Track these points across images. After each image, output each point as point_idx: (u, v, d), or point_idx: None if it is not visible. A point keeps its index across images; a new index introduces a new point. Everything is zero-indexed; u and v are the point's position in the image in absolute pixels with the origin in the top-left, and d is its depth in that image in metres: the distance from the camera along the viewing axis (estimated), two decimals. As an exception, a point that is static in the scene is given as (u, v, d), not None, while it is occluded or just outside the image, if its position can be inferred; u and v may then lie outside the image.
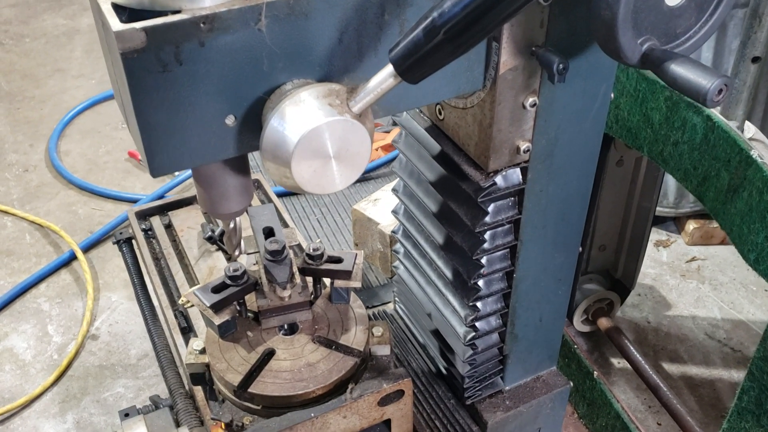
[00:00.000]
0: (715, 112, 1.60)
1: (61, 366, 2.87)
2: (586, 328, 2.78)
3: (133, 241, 2.79)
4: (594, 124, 1.62)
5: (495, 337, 2.02)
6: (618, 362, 2.76)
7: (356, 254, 2.00)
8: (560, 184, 1.68)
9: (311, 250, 1.95)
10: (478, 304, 1.88)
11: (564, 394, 2.18)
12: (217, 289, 1.90)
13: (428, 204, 1.89)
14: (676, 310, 3.03)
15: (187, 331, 2.34)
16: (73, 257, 3.52)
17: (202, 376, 1.94)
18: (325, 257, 1.97)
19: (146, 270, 2.64)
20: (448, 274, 1.91)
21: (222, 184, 1.45)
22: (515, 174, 1.62)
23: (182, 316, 2.39)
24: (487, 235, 1.72)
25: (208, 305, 1.85)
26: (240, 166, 1.42)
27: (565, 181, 1.69)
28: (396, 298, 2.43)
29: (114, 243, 2.80)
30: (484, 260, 1.78)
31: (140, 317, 3.13)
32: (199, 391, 2.10)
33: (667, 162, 1.77)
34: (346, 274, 1.97)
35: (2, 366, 2.92)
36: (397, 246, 2.25)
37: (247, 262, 1.99)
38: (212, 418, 1.86)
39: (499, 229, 1.74)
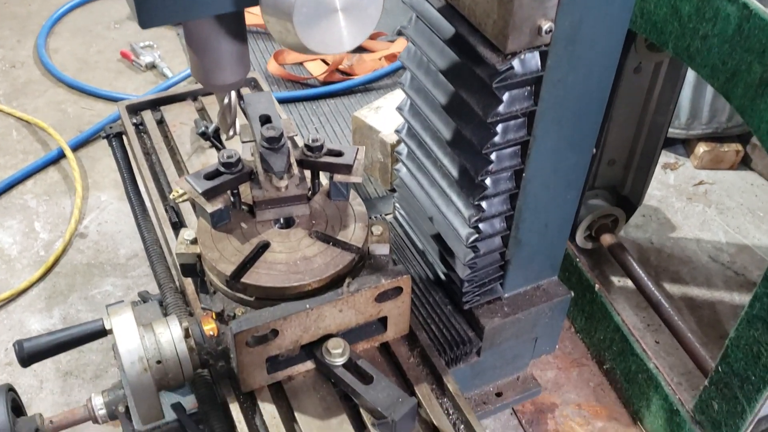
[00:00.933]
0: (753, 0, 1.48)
1: (47, 262, 2.80)
2: (588, 245, 2.71)
3: (124, 137, 2.68)
4: (621, 10, 1.50)
5: (498, 240, 1.94)
6: (618, 281, 2.70)
7: (357, 149, 1.90)
8: (580, 74, 1.57)
9: (310, 141, 1.85)
10: (484, 204, 1.79)
11: (564, 303, 2.13)
12: (210, 176, 1.80)
13: (437, 96, 1.78)
14: (680, 232, 2.97)
15: (178, 226, 2.25)
16: (61, 155, 3.40)
17: (193, 268, 1.86)
18: (324, 149, 1.87)
19: (137, 165, 2.54)
20: (454, 172, 1.82)
21: (216, 50, 1.33)
22: (534, 59, 1.50)
23: (173, 210, 2.30)
24: (498, 128, 1.62)
25: (200, 192, 1.76)
26: (235, 28, 1.31)
27: (586, 72, 1.57)
28: (396, 204, 2.34)
29: (104, 137, 2.69)
30: (493, 156, 1.68)
31: (130, 218, 3.05)
32: (189, 285, 2.03)
33: (693, 58, 1.66)
34: (347, 168, 1.87)
35: (-12, 261, 2.85)
36: (401, 147, 2.15)
37: (242, 153, 1.89)
38: (203, 308, 1.79)
39: (512, 122, 1.64)
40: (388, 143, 2.93)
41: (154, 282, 2.19)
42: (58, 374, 2.39)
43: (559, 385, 2.33)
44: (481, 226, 1.84)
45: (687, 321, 2.31)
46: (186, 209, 2.26)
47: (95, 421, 1.94)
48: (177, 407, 1.88)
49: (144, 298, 2.31)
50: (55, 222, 3.04)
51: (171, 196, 2.26)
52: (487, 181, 1.74)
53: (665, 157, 3.35)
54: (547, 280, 2.14)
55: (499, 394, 2.28)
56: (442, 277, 2.13)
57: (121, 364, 1.97)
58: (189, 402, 1.90)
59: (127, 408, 1.92)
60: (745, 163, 3.30)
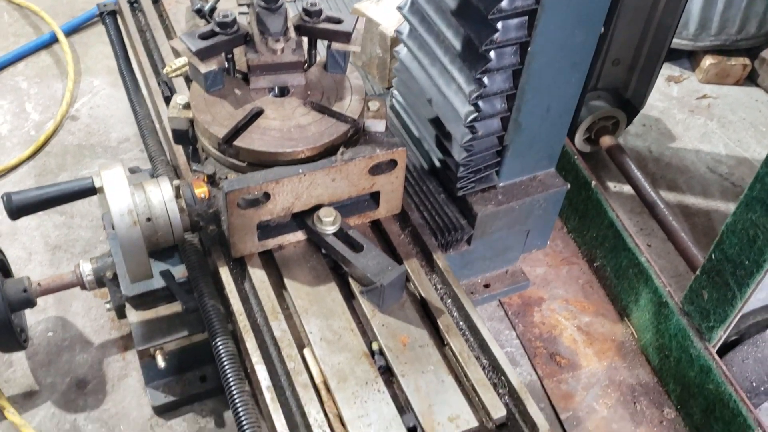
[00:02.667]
0: None
1: (38, 141, 2.75)
2: (587, 149, 2.68)
3: (118, 16, 2.60)
4: None
5: (497, 123, 1.90)
6: (614, 186, 2.68)
7: (357, 18, 1.83)
8: (594, -61, 1.50)
9: (308, 5, 1.78)
10: (485, 79, 1.75)
11: (559, 195, 2.10)
12: (205, 36, 1.74)
13: (443, -37, 1.71)
14: (680, 143, 2.93)
15: (170, 100, 2.21)
16: (54, 40, 3.31)
17: (185, 134, 1.82)
18: (323, 15, 1.81)
19: (130, 42, 2.47)
20: (457, 44, 1.76)
21: None
22: None
23: (166, 85, 2.25)
24: (506, -6, 1.56)
25: (194, 51, 1.70)
26: None
27: (600, -62, 1.51)
28: (394, 92, 2.29)
29: (97, 15, 2.62)
30: (499, 25, 1.62)
31: (122, 103, 2.99)
32: (181, 156, 2.00)
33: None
34: (345, 37, 1.82)
35: (-23, 137, 2.80)
36: (402, 26, 2.08)
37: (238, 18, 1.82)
38: (193, 170, 1.76)
39: (520, -12, 1.58)
40: (388, 36, 2.85)
41: (146, 165, 2.16)
42: (46, 247, 2.37)
43: (548, 281, 2.34)
44: (481, 104, 1.80)
45: (681, 225, 2.30)
46: (179, 84, 2.20)
47: (83, 287, 1.93)
48: (166, 274, 1.87)
49: (134, 170, 2.28)
50: (47, 104, 2.98)
51: (164, 71, 2.20)
52: (491, 54, 1.68)
53: (670, 70, 3.29)
54: (543, 171, 2.10)
55: (487, 286, 2.28)
56: (438, 164, 2.10)
57: (110, 219, 1.96)
58: (178, 272, 1.90)
59: (115, 275, 1.91)
60: (751, 78, 3.24)
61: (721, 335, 1.79)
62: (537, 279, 2.34)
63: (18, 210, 1.64)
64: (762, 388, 1.75)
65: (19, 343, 1.91)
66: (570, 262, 2.40)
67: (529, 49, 1.69)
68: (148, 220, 1.61)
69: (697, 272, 1.80)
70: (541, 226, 2.21)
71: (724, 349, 1.90)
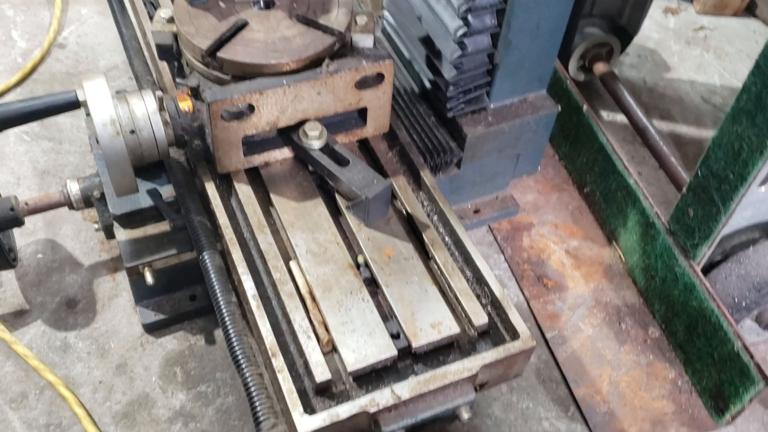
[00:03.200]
0: None
1: (25, 69, 2.71)
2: (580, 77, 2.65)
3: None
4: None
5: (487, 39, 1.87)
6: (607, 115, 2.66)
7: (346, -69, 1.80)
8: None
9: None
10: (475, -9, 1.72)
11: (550, 118, 2.09)
12: (187, -54, 1.71)
13: None
14: (675, 73, 2.90)
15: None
16: (40, -32, 3.25)
17: (169, 49, 1.79)
18: (310, -73, 1.77)
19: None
20: (445, -44, 1.73)
21: None
22: None
23: (151, 5, 2.22)
24: None
25: (177, -40, 1.68)
26: None
27: None
28: (384, 13, 2.25)
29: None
30: (488, -68, 1.59)
31: (110, 31, 2.94)
32: (166, 74, 1.98)
33: None
34: (332, -52, 1.78)
35: (-37, 65, 2.76)
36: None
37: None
38: (177, 84, 1.75)
39: None
40: (382, -38, 2.80)
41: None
42: (35, 172, 2.37)
43: (538, 207, 2.34)
44: (470, 18, 1.77)
45: (672, 152, 2.28)
46: (164, 4, 2.16)
47: (71, 206, 1.93)
48: (153, 193, 1.87)
49: (120, 90, 2.26)
50: (33, 32, 2.93)
51: (150, -9, 2.17)
52: (480, -36, 1.65)
53: (667, 1, 3.23)
54: (534, 93, 2.09)
55: (476, 211, 2.29)
56: (428, 85, 2.08)
57: (93, 131, 1.95)
58: (165, 191, 1.89)
59: (102, 194, 1.91)
60: (749, 10, 3.19)
61: (706, 252, 1.79)
62: (527, 205, 2.34)
63: (1, 123, 1.63)
64: (743, 304, 1.76)
65: (8, 261, 1.92)
66: (560, 189, 2.40)
67: (520, -40, 1.66)
68: (132, 132, 1.60)
69: (683, 190, 1.80)
70: (532, 150, 2.20)
71: (709, 269, 1.90)
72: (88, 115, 1.92)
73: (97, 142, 1.62)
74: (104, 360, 1.92)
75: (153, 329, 2.00)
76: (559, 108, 2.07)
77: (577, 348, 2.00)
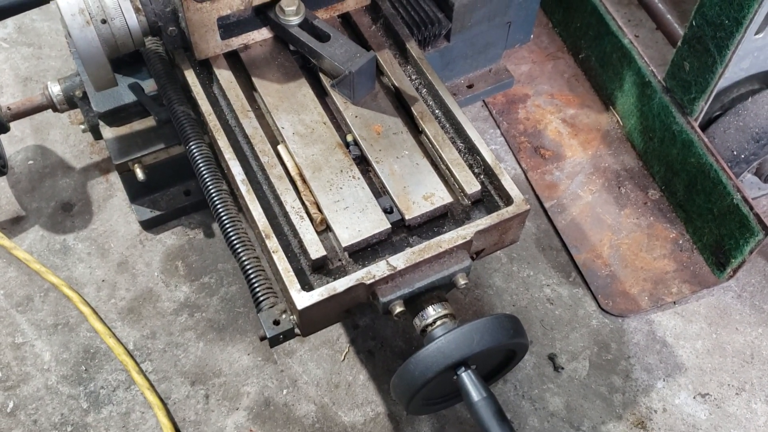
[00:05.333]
0: None
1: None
2: (571, -62, 2.52)
3: None
4: None
5: None
6: (601, -22, 2.55)
7: None
8: None
9: None
10: None
11: (540, -20, 2.00)
12: None
13: None
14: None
15: None
16: None
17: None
18: None
19: None
20: None
21: None
22: None
23: None
24: None
25: None
26: None
27: None
28: None
29: None
30: None
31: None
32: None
33: None
34: None
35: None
36: None
37: None
38: (144, -33, 1.67)
39: None
40: None
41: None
42: (17, 79, 2.31)
43: (533, 77, 2.27)
44: None
45: (669, 10, 2.20)
46: None
47: (54, 108, 1.89)
48: (135, 87, 1.82)
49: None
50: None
51: None
52: None
53: None
54: (522, -45, 1.99)
55: (470, 86, 2.23)
56: (410, -46, 1.98)
57: (63, 25, 1.88)
58: (147, 86, 1.84)
59: (84, 93, 1.86)
60: None
61: (703, 106, 1.75)
62: (522, 76, 2.28)
63: (-34, 21, 1.57)
64: (743, 156, 1.73)
65: (-3, 168, 1.90)
66: (555, 57, 2.33)
67: None
68: (104, 21, 1.54)
69: (678, 44, 1.74)
70: (523, 16, 2.12)
71: (707, 125, 1.86)
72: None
73: (69, 36, 1.57)
74: (105, 259, 1.93)
75: (150, 226, 1.99)
76: (549, -31, 1.98)
77: (577, 215, 1.99)
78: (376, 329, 1.82)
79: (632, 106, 2.03)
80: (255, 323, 1.83)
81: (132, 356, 1.77)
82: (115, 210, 2.03)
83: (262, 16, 1.67)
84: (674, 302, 1.86)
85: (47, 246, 1.96)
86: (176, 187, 2.01)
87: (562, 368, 1.77)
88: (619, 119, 2.13)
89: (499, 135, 2.17)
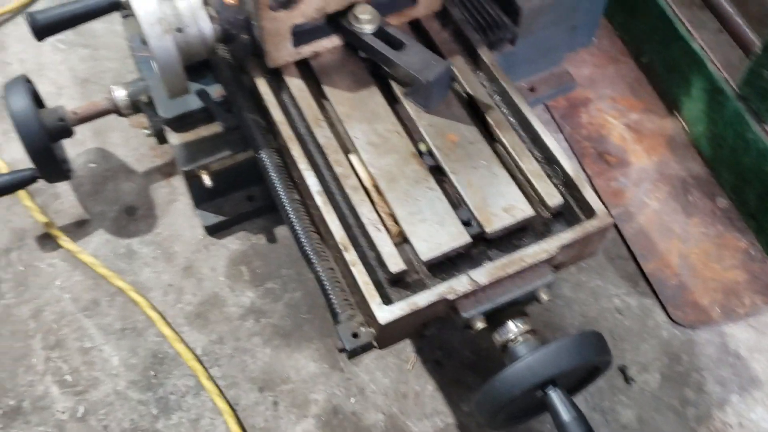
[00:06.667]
0: None
1: (51, -26, 2.64)
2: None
3: None
4: None
5: None
6: (662, -22, 2.51)
7: None
8: None
9: None
10: None
11: (608, -15, 1.97)
12: None
13: None
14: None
15: None
16: None
17: (204, -61, 1.70)
18: None
19: None
20: None
21: None
22: None
23: None
24: None
25: None
26: None
27: None
28: None
29: None
30: None
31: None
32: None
33: None
34: None
35: (-13, -26, 2.68)
36: None
37: None
38: (218, -26, 1.66)
39: None
40: None
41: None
42: (75, 81, 2.32)
43: (594, 81, 2.24)
44: None
45: (736, 12, 2.15)
46: None
47: (119, 113, 1.89)
48: (202, 93, 1.82)
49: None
50: (53, -66, 2.83)
51: None
52: None
53: None
54: (591, -41, 1.96)
55: (532, 89, 2.20)
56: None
57: (138, 40, 1.89)
58: (213, 92, 1.84)
59: (150, 98, 1.86)
60: None
61: (783, 116, 1.71)
62: (583, 80, 2.24)
63: (43, 29, 1.57)
64: (825, 167, 1.69)
65: (62, 172, 1.90)
66: (617, 61, 2.29)
67: None
68: (179, 30, 1.54)
69: (758, 50, 1.70)
70: (588, 20, 2.09)
71: (784, 134, 1.83)
72: (125, 17, 1.85)
73: (144, 43, 1.57)
74: (170, 263, 1.94)
75: (214, 231, 2.00)
76: (618, -29, 1.95)
77: (644, 223, 1.96)
78: (443, 339, 1.81)
79: (701, 112, 1.99)
80: (320, 330, 1.83)
81: (201, 362, 1.77)
82: (179, 214, 2.03)
83: (334, 23, 1.65)
84: (746, 314, 1.83)
85: (112, 250, 1.97)
86: (240, 192, 2.01)
87: (633, 380, 1.75)
88: (685, 125, 2.09)
89: (563, 139, 2.14)
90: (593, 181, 2.04)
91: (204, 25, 1.55)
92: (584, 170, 2.07)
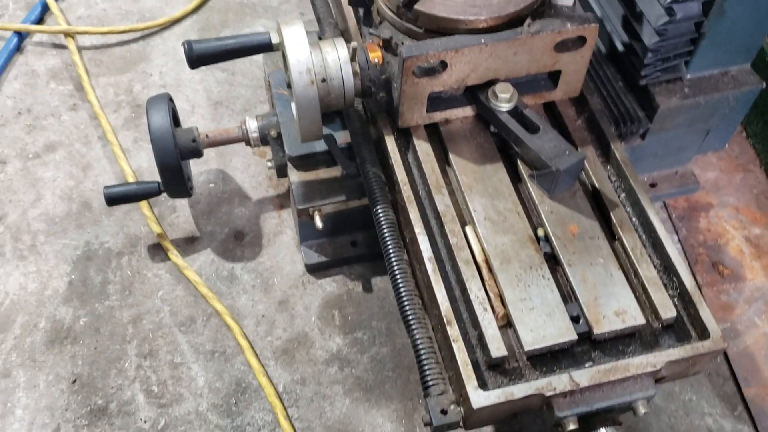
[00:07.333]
0: None
1: (203, -4, 2.78)
2: (779, 47, 2.41)
3: None
4: None
5: (697, 7, 1.71)
6: (805, 91, 2.43)
7: None
8: None
9: None
10: (696, -45, 1.57)
11: (751, 95, 1.91)
12: None
13: None
14: None
15: (342, -40, 2.14)
16: None
17: (361, -6, 1.77)
18: None
19: None
20: None
21: None
22: None
23: (338, -57, 2.17)
24: None
25: None
26: None
27: None
28: (576, -35, 2.11)
29: None
30: None
31: (284, -39, 2.95)
32: (350, 20, 1.94)
33: None
34: None
35: (146, -13, 2.85)
36: None
37: None
38: (370, 33, 1.71)
39: None
40: None
41: (309, 27, 2.10)
42: (209, 102, 2.43)
43: (719, 186, 2.18)
44: (685, -18, 1.63)
45: None
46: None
47: (247, 143, 1.97)
48: (329, 138, 1.87)
49: (301, 31, 2.25)
50: (211, -42, 2.98)
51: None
52: (709, -75, 1.50)
53: None
54: (737, 66, 1.91)
55: (653, 185, 2.16)
56: (620, 48, 1.94)
57: (276, 78, 1.96)
58: (339, 137, 1.89)
59: (279, 134, 1.93)
60: None
61: None
62: (707, 183, 2.19)
63: (197, 59, 1.65)
64: None
65: (186, 190, 1.98)
66: (746, 169, 2.22)
67: None
68: (323, 80, 1.59)
69: None
70: (724, 126, 2.04)
71: None
72: (276, 47, 1.88)
73: (288, 86, 1.63)
74: (267, 295, 1.98)
75: (314, 270, 2.03)
76: (764, 85, 1.89)
77: (751, 344, 1.88)
78: (523, 421, 1.77)
79: (831, 240, 1.90)
80: (402, 391, 1.83)
81: (281, 399, 1.79)
82: (283, 247, 2.08)
83: (470, 94, 1.68)
84: None
85: (216, 271, 2.03)
86: (344, 236, 2.05)
87: None
88: (811, 249, 2.01)
89: (677, 241, 2.09)
90: (702, 290, 1.97)
91: (348, 80, 1.60)
92: (695, 277, 2.00)
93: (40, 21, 2.69)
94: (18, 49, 2.60)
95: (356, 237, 2.06)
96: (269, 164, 1.98)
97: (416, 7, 1.58)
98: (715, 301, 1.95)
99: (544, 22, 1.56)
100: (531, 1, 1.59)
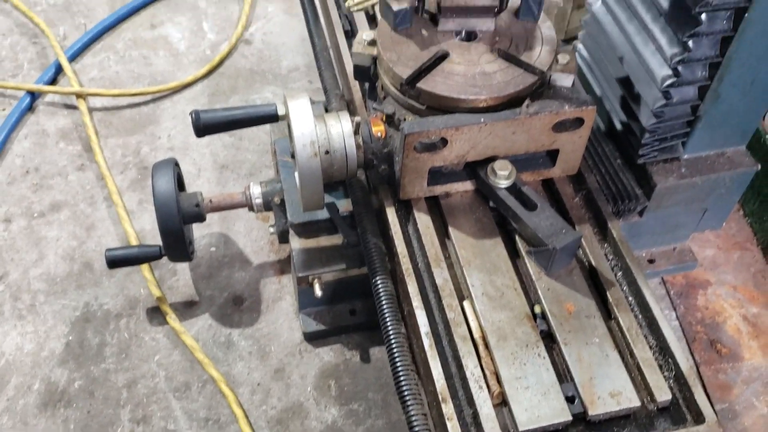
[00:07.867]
0: None
1: (213, 61, 2.84)
2: (776, 128, 2.46)
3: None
4: None
5: (693, 91, 1.76)
6: (802, 171, 2.46)
7: (558, -38, 1.74)
8: None
9: (508, -52, 1.70)
10: (691, 42, 1.61)
11: (747, 176, 1.94)
12: (399, -28, 1.71)
13: None
14: None
15: (350, 35, 2.20)
16: (233, -37, 3.38)
17: (366, 71, 1.81)
18: (523, -42, 1.73)
19: (312, -29, 2.48)
20: (665, 2, 1.63)
21: None
22: None
23: (346, 19, 2.24)
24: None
25: (389, -13, 1.68)
26: None
27: None
28: (578, 45, 2.17)
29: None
30: (719, -16, 1.48)
31: (295, 31, 3.03)
32: (356, 93, 2.00)
33: None
34: (543, -17, 1.74)
35: (157, 51, 2.92)
36: (598, -23, 1.96)
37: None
38: (374, 108, 1.75)
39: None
40: (572, -15, 2.70)
41: (316, 96, 2.16)
42: (215, 165, 2.47)
43: (717, 264, 2.19)
44: (681, 68, 1.67)
45: None
46: (359, 19, 2.19)
47: (250, 208, 1.99)
48: (331, 207, 1.90)
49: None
50: (222, 25, 3.06)
51: (346, 4, 2.19)
52: (703, 17, 1.55)
53: None
54: (733, 148, 1.95)
55: (651, 261, 2.17)
56: (618, 127, 1.98)
57: (282, 146, 2.00)
58: (341, 206, 1.92)
59: (282, 201, 1.96)
60: None
61: None
62: (705, 261, 2.20)
63: (205, 128, 1.69)
64: None
65: (187, 254, 2.00)
66: (743, 248, 2.24)
67: (747, 15, 1.54)
68: (326, 152, 1.62)
69: None
70: (721, 205, 2.06)
71: None
72: (281, 118, 1.92)
73: (292, 156, 1.66)
74: (264, 362, 1.98)
75: (312, 338, 2.03)
76: (759, 167, 1.93)
77: (749, 426, 1.86)
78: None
79: (829, 323, 1.90)
80: (395, 464, 1.81)
81: (273, 471, 1.78)
82: (282, 313, 2.09)
83: (469, 170, 1.71)
84: None
85: (213, 336, 2.03)
86: (343, 305, 2.06)
87: None
88: (809, 331, 2.00)
89: (674, 318, 2.09)
90: (700, 369, 1.97)
91: (351, 152, 1.64)
92: (692, 355, 2.00)
93: (53, 81, 2.76)
94: (30, 108, 2.66)
95: (355, 305, 2.06)
96: (271, 230, 2.01)
97: (419, 85, 1.62)
98: (712, 380, 1.95)
99: (542, 103, 1.60)
100: (530, 83, 1.63)
